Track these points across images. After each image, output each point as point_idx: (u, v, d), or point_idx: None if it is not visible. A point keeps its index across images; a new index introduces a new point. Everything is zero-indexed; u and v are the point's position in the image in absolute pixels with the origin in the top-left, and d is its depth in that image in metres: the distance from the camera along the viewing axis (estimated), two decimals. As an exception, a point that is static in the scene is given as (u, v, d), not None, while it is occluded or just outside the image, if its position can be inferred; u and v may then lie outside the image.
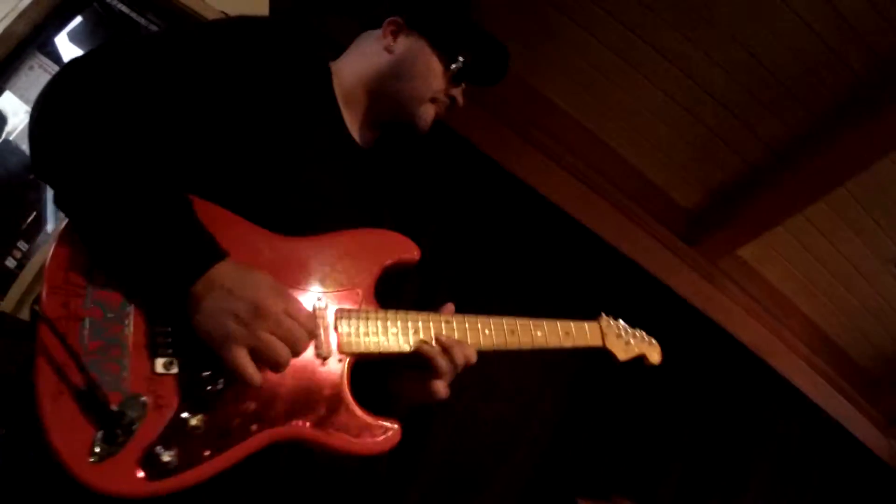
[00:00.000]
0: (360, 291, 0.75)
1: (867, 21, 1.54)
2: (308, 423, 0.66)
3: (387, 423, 0.70)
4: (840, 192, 1.76)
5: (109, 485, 0.55)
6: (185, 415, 0.60)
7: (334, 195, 0.84)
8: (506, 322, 0.82)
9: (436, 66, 0.91)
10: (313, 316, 0.68)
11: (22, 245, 1.71)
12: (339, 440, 0.68)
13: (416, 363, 0.76)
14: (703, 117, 1.73)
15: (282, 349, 0.61)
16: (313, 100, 0.84)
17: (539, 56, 1.70)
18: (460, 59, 0.92)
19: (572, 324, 0.89)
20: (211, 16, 1.77)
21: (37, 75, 1.87)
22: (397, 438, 0.70)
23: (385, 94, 0.92)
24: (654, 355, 1.00)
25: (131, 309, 0.62)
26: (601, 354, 1.19)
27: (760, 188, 1.73)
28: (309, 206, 0.79)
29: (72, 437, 0.56)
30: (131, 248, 0.61)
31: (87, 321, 0.60)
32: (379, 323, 0.74)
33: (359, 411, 0.70)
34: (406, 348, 0.75)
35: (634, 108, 1.72)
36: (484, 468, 1.66)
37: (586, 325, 0.92)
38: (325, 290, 0.73)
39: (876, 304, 2.00)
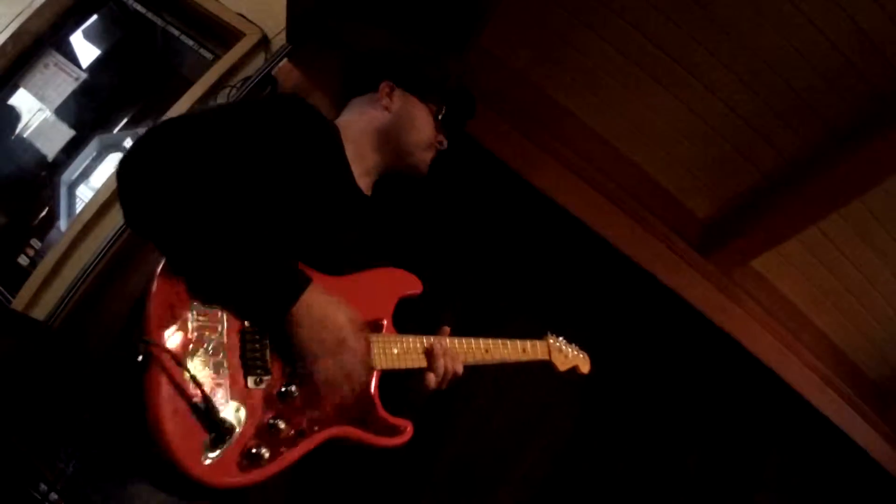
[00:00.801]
0: (385, 321, 0.95)
1: (885, 33, 1.52)
2: (354, 424, 0.85)
3: (403, 423, 0.91)
4: (855, 205, 1.75)
5: (218, 478, 0.70)
6: (269, 420, 0.76)
7: (350, 240, 0.98)
8: (483, 343, 1.04)
9: (426, 116, 1.08)
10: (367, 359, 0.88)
11: (35, 243, 1.71)
12: (374, 437, 0.87)
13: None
14: (719, 128, 1.72)
15: (345, 385, 0.82)
16: (331, 161, 0.98)
17: (556, 66, 1.70)
18: (443, 107, 1.10)
19: (528, 343, 1.13)
20: (226, 17, 1.77)
21: (52, 73, 1.87)
22: (410, 434, 0.91)
23: (391, 147, 1.07)
24: (585, 366, 1.22)
25: (226, 339, 0.76)
26: (616, 365, 1.28)
27: (776, 200, 1.72)
28: (333, 252, 0.94)
29: (187, 445, 0.68)
30: (234, 283, 0.76)
31: (193, 348, 0.73)
32: (401, 345, 0.94)
33: (384, 413, 0.89)
34: (422, 364, 0.95)
35: (651, 118, 1.71)
36: (496, 472, 1.67)
37: (538, 343, 1.15)
38: (364, 319, 0.89)
39: (888, 317, 1.99)
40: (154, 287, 0.72)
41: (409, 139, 1.06)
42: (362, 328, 0.86)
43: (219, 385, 0.72)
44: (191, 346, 0.71)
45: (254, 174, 0.84)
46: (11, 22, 2.11)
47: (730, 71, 1.73)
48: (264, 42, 1.70)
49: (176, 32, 1.76)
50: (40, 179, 1.79)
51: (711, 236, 1.78)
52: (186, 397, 0.68)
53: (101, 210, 1.61)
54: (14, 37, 2.07)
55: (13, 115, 1.88)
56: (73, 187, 1.76)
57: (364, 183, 1.06)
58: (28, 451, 1.53)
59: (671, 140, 1.77)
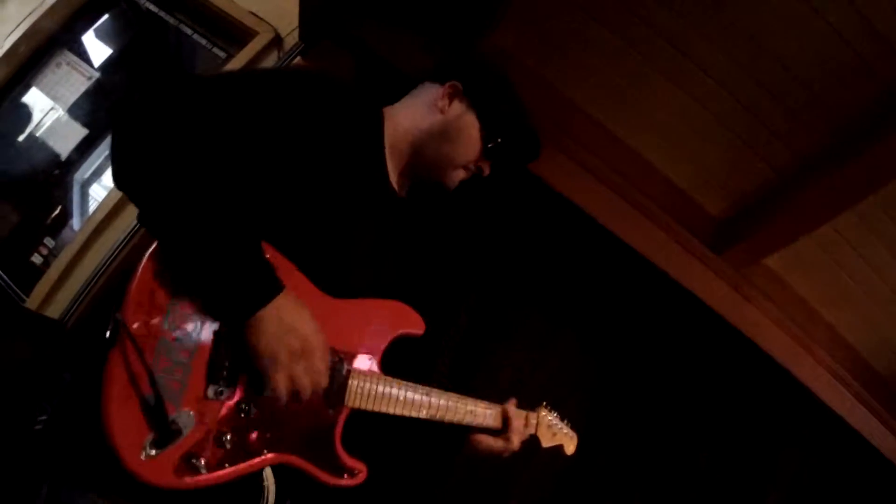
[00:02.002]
0: (372, 358, 0.90)
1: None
2: (304, 455, 0.81)
3: (358, 466, 0.87)
4: (869, 202, 1.74)
5: (151, 476, 0.68)
6: (218, 432, 0.73)
7: (369, 242, 0.91)
8: (468, 403, 1.00)
9: (476, 137, 0.98)
10: (329, 369, 0.81)
11: (48, 242, 1.72)
12: (322, 473, 0.84)
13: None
14: (732, 125, 1.72)
15: (308, 386, 0.77)
16: (362, 146, 0.90)
17: (571, 65, 1.69)
18: (499, 139, 1.00)
19: (525, 414, 1.09)
20: (239, 15, 1.77)
21: (65, 73, 1.87)
22: (363, 478, 0.87)
23: (426, 151, 0.98)
24: (570, 447, 1.19)
25: (199, 338, 0.72)
26: (628, 363, 1.27)
27: (789, 197, 1.71)
28: (347, 253, 0.88)
29: (129, 436, 0.67)
30: (204, 270, 0.70)
31: (162, 340, 0.69)
32: (380, 387, 0.89)
33: (341, 451, 0.86)
34: (400, 411, 0.91)
35: (662, 114, 1.70)
36: (507, 468, 1.67)
37: (531, 414, 1.11)
38: (346, 350, 0.86)
39: (901, 316, 1.98)
40: (141, 267, 0.69)
41: (444, 150, 0.97)
42: (328, 349, 0.79)
43: (177, 386, 0.69)
44: (160, 337, 0.68)
45: (261, 154, 0.78)
46: (23, 21, 2.11)
47: (741, 67, 1.72)
48: (277, 41, 1.70)
49: (189, 31, 1.76)
50: (53, 178, 1.79)
51: (724, 234, 1.77)
52: (140, 389, 0.66)
53: (114, 209, 1.61)
54: (26, 36, 2.08)
55: (26, 114, 1.88)
56: (85, 186, 1.76)
57: (399, 181, 0.99)
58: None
59: (682, 136, 1.76)
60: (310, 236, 0.82)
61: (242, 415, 0.74)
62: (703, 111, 1.77)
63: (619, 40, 1.71)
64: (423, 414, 0.93)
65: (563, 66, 1.74)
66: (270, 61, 1.68)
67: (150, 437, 0.67)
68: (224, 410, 0.73)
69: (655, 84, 1.73)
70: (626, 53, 1.72)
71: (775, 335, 1.83)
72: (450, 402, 0.96)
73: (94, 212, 1.60)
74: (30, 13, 2.13)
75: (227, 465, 0.73)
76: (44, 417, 1.24)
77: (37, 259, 1.71)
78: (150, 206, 0.70)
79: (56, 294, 1.64)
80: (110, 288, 1.60)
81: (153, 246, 0.70)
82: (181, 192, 0.68)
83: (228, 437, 0.73)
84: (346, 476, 0.85)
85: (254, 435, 0.76)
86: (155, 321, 0.68)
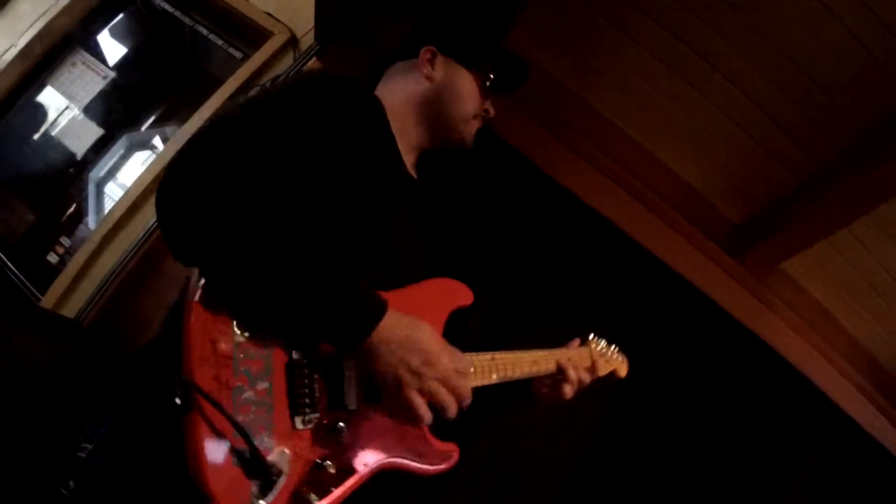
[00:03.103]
0: None
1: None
2: (403, 455, 0.81)
3: (450, 447, 0.87)
4: (885, 208, 1.73)
5: None
6: (318, 460, 0.71)
7: (403, 229, 0.91)
8: (529, 355, 0.99)
9: (471, 84, 0.99)
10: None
11: (64, 241, 1.72)
12: (423, 466, 0.84)
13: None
14: (751, 130, 1.70)
15: (447, 397, 0.74)
16: (379, 143, 0.89)
17: (590, 68, 1.69)
18: (490, 74, 1.01)
19: (573, 351, 1.09)
20: (255, 16, 1.76)
21: (80, 72, 1.87)
22: (457, 458, 0.88)
23: (433, 119, 0.98)
24: (623, 370, 1.22)
25: (272, 374, 0.70)
26: (644, 367, 1.29)
27: (806, 202, 1.70)
28: (388, 246, 0.87)
29: (234, 495, 0.64)
30: (305, 307, 0.68)
31: (236, 388, 0.66)
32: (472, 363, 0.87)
33: (433, 439, 0.85)
34: (483, 381, 0.89)
35: (684, 120, 1.69)
36: (521, 473, 1.66)
37: (582, 350, 1.11)
38: None
39: (918, 321, 1.96)
40: (191, 318, 0.64)
41: (454, 111, 0.97)
42: (443, 340, 0.78)
43: (264, 427, 0.67)
44: (234, 385, 0.65)
45: (303, 179, 0.75)
46: (38, 20, 2.11)
47: (759, 71, 1.71)
48: (293, 41, 1.70)
49: (204, 31, 1.76)
50: (68, 177, 1.79)
51: (742, 239, 1.76)
52: (230, 444, 0.64)
53: (131, 208, 1.61)
54: (40, 35, 2.08)
55: (41, 113, 1.89)
56: (101, 185, 1.76)
57: (409, 162, 0.99)
58: (51, 445, 1.55)
59: (702, 142, 1.75)
60: (354, 238, 0.81)
61: (335, 435, 0.73)
62: (724, 116, 1.76)
63: (640, 46, 1.70)
64: (495, 378, 0.92)
65: (582, 72, 1.73)
66: (286, 62, 1.68)
67: (254, 488, 0.65)
68: (315, 437, 0.72)
69: (676, 89, 1.72)
70: (647, 59, 1.71)
71: (793, 340, 1.82)
72: (515, 357, 0.96)
73: (111, 210, 1.60)
74: (44, 12, 2.13)
75: (333, 488, 0.71)
76: (88, 446, 1.24)
77: (52, 258, 1.71)
78: (227, 268, 0.66)
79: (72, 293, 1.65)
80: (127, 288, 1.60)
81: (196, 297, 0.66)
82: (259, 240, 0.65)
83: (328, 461, 0.71)
84: (443, 462, 0.85)
85: (351, 451, 0.75)
86: (224, 371, 0.65)
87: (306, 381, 0.71)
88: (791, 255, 1.73)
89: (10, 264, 1.76)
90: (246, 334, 0.67)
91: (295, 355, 0.71)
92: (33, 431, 1.60)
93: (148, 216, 1.61)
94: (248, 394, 0.66)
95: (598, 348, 1.14)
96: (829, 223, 1.74)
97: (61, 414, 1.60)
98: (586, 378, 1.04)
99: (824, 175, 1.75)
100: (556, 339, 1.09)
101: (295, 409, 0.70)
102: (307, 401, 0.71)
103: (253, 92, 0.79)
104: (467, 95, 0.98)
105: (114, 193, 1.76)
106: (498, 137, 1.62)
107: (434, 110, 0.97)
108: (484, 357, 0.91)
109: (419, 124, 0.97)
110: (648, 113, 1.75)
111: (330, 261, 0.69)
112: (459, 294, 0.93)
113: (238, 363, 0.66)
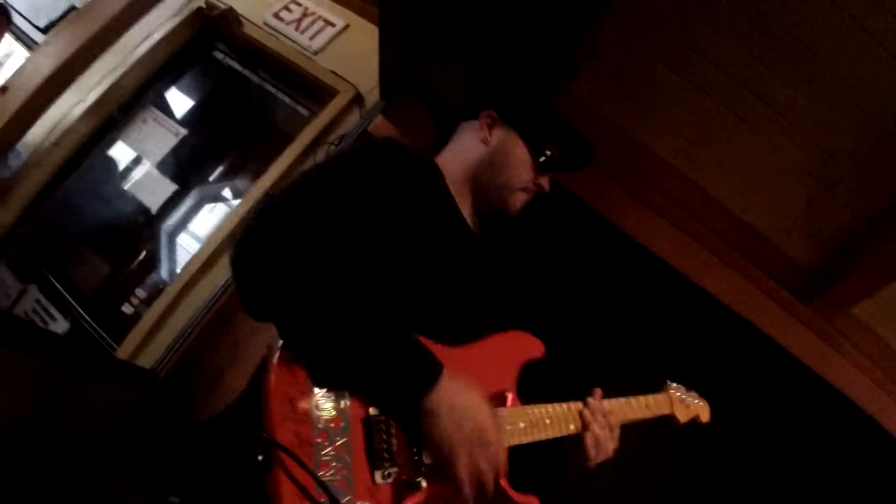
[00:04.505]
0: (509, 393, 0.89)
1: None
2: None
3: (530, 500, 0.86)
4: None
5: None
6: None
7: (467, 285, 0.93)
8: (608, 404, 0.97)
9: (525, 156, 1.01)
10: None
11: (139, 292, 1.78)
12: None
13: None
14: (813, 171, 1.69)
15: (491, 479, 0.75)
16: (441, 207, 0.93)
17: (647, 111, 1.70)
18: (547, 151, 1.03)
19: (651, 398, 1.06)
20: (320, 74, 1.83)
21: (151, 128, 1.96)
22: None
23: (483, 185, 1.01)
24: (705, 415, 1.17)
25: (350, 430, 0.72)
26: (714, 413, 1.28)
27: (875, 244, 1.67)
28: (454, 302, 0.89)
29: None
30: (364, 370, 0.71)
31: (316, 445, 0.69)
32: (530, 417, 0.88)
33: (512, 492, 0.84)
34: (551, 434, 0.89)
35: (745, 162, 1.69)
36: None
37: (660, 396, 1.09)
38: (487, 393, 0.84)
39: None
40: (272, 379, 0.68)
41: (500, 178, 1.00)
42: (493, 410, 0.79)
43: (345, 483, 0.69)
44: (315, 442, 0.68)
45: (369, 243, 0.79)
46: (106, 76, 2.22)
47: (819, 110, 1.71)
48: (358, 98, 1.76)
49: (271, 89, 1.83)
50: (141, 229, 1.86)
51: (811, 283, 1.74)
52: (313, 500, 0.65)
53: (205, 263, 1.66)
54: (110, 91, 2.19)
55: (113, 167, 1.98)
56: (173, 235, 1.83)
57: (471, 221, 1.02)
58: (125, 492, 1.58)
59: (763, 182, 1.74)
60: (421, 299, 0.83)
61: (414, 489, 0.74)
62: (783, 156, 1.75)
63: (695, 86, 1.71)
64: (572, 428, 0.91)
65: (639, 114, 1.75)
66: (353, 119, 1.74)
67: None
68: (396, 492, 0.73)
69: (733, 129, 1.72)
70: (702, 99, 1.72)
71: (862, 383, 1.77)
72: (566, 410, 0.93)
73: (186, 265, 1.66)
74: (113, 68, 2.24)
75: None
76: (176, 500, 1.28)
77: (127, 309, 1.78)
78: (297, 323, 0.70)
79: (147, 345, 1.70)
80: (201, 341, 1.65)
81: (275, 358, 0.69)
82: (323, 299, 0.69)
83: None
84: None
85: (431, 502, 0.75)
86: (303, 428, 0.68)
87: (384, 435, 0.73)
88: (862, 298, 1.69)
89: (86, 316, 1.83)
90: (323, 391, 0.70)
91: (372, 410, 0.73)
92: (107, 479, 1.64)
93: (222, 271, 1.66)
94: (328, 450, 0.68)
95: (677, 394, 1.11)
96: (898, 265, 1.72)
97: (138, 463, 1.64)
98: (607, 432, 0.94)
99: (892, 215, 1.73)
100: (625, 386, 1.08)
101: (374, 463, 0.71)
102: (386, 455, 0.72)
103: (321, 157, 0.84)
104: (517, 165, 1.00)
105: (186, 244, 1.82)
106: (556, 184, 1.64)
107: (483, 174, 0.99)
108: (559, 406, 0.91)
109: (471, 186, 1.00)
110: (707, 155, 1.75)
111: (389, 321, 0.72)
112: (530, 347, 0.93)
113: (316, 420, 0.69)
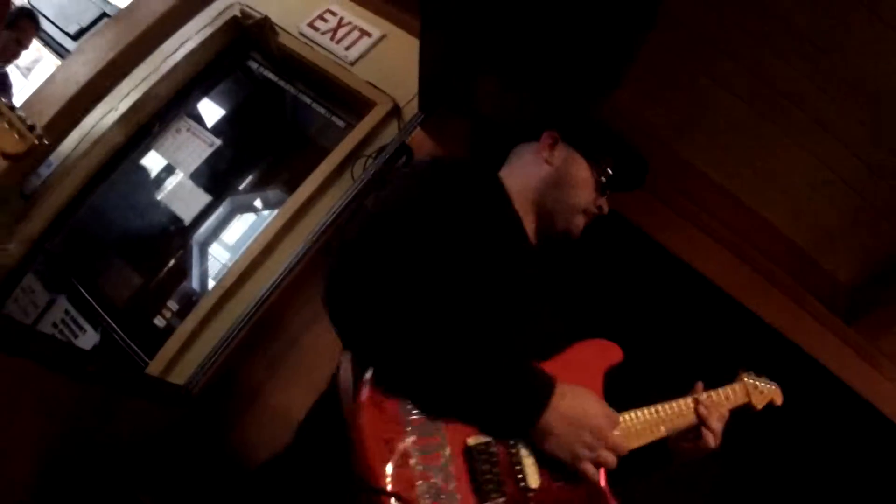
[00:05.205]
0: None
1: None
2: None
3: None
4: None
5: None
6: None
7: (537, 301, 0.93)
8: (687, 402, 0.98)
9: (588, 176, 1.01)
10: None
11: (171, 304, 1.76)
12: None
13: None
14: (861, 190, 1.66)
15: (613, 460, 0.78)
16: (508, 227, 0.93)
17: (692, 128, 1.67)
18: (609, 170, 1.03)
19: (729, 389, 1.08)
20: (356, 85, 1.81)
21: (184, 138, 1.94)
22: None
23: (546, 205, 1.00)
24: (779, 398, 1.19)
25: (452, 463, 0.69)
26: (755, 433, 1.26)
27: (923, 264, 1.64)
28: (529, 319, 0.89)
29: None
30: (478, 397, 0.71)
31: (420, 484, 0.66)
32: (624, 423, 0.88)
33: (611, 497, 0.82)
34: (649, 438, 0.90)
35: (791, 180, 1.66)
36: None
37: (737, 386, 1.10)
38: None
39: None
40: (363, 420, 0.65)
41: (563, 197, 0.99)
42: (604, 404, 0.80)
43: None
44: (417, 483, 0.65)
45: (454, 273, 0.79)
46: (139, 85, 2.20)
47: (865, 126, 1.68)
48: (395, 110, 1.74)
49: (307, 100, 1.81)
50: (173, 240, 1.84)
51: (855, 302, 1.70)
52: None
53: (240, 277, 1.63)
54: (142, 100, 2.17)
55: (145, 177, 1.96)
56: (204, 246, 1.81)
57: (535, 238, 1.02)
58: None
59: (807, 199, 1.70)
60: (499, 317, 0.83)
61: None
62: (829, 173, 1.72)
63: (740, 100, 1.68)
64: (663, 430, 0.92)
65: (682, 128, 1.72)
66: (391, 131, 1.71)
67: None
68: None
69: (778, 144, 1.68)
70: (747, 113, 1.69)
71: (907, 406, 1.73)
72: (679, 407, 0.95)
73: (223, 276, 1.63)
74: (145, 77, 2.22)
75: None
76: None
77: (159, 322, 1.75)
78: (401, 362, 0.69)
79: (180, 360, 1.66)
80: (237, 356, 1.62)
81: (364, 395, 0.67)
82: (427, 337, 0.68)
83: None
84: None
85: None
86: (405, 470, 0.65)
87: (487, 465, 0.71)
88: (908, 320, 1.66)
89: (116, 328, 1.80)
90: (416, 426, 0.68)
91: (471, 440, 0.71)
92: (138, 497, 1.61)
93: (258, 284, 1.63)
94: (432, 487, 0.66)
95: (751, 381, 1.13)
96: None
97: (171, 484, 1.61)
98: (721, 424, 0.97)
99: (937, 235, 1.69)
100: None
101: (481, 495, 0.70)
102: (492, 486, 0.71)
103: (389, 190, 0.85)
104: (582, 185, 0.99)
105: (218, 254, 1.80)
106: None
107: (549, 195, 0.99)
108: (648, 409, 0.92)
109: (534, 206, 1.00)
110: (751, 171, 1.72)
111: (494, 347, 0.72)
112: (610, 353, 0.93)
113: (416, 459, 0.66)
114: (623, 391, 1.59)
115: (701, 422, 0.93)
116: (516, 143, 1.11)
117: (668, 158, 1.74)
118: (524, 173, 1.01)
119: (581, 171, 1.00)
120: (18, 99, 2.34)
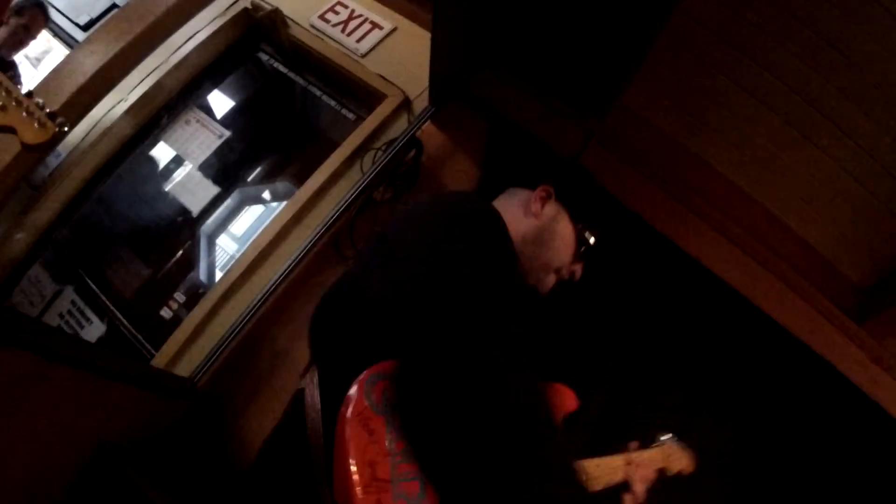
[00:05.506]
0: None
1: None
2: None
3: None
4: None
5: None
6: None
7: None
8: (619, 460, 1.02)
9: (570, 240, 0.97)
10: None
11: (178, 296, 1.75)
12: None
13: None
14: (874, 189, 1.64)
15: None
16: (509, 249, 0.87)
17: (708, 127, 1.66)
18: (591, 240, 0.99)
19: (654, 451, 1.09)
20: (367, 77, 1.80)
21: (194, 129, 1.93)
22: None
23: (523, 256, 0.94)
24: (689, 467, 1.18)
25: (426, 495, 0.67)
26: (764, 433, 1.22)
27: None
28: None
29: None
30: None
31: None
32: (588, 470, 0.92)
33: None
34: (597, 488, 0.93)
35: (806, 180, 1.64)
36: None
37: (653, 452, 1.09)
38: None
39: None
40: (351, 443, 0.63)
41: (540, 254, 0.95)
42: None
43: None
44: None
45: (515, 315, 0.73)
46: (148, 76, 2.19)
47: (882, 128, 1.66)
48: (406, 103, 1.73)
49: (317, 92, 1.80)
50: (181, 230, 1.83)
51: (866, 303, 1.68)
52: None
53: (247, 270, 1.62)
54: (152, 91, 2.16)
55: (154, 168, 1.95)
56: (212, 237, 1.80)
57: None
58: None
59: (822, 200, 1.69)
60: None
61: None
62: (844, 174, 1.70)
63: (756, 100, 1.67)
64: (619, 476, 0.95)
65: (697, 128, 1.70)
66: (401, 124, 1.70)
67: None
68: None
69: (794, 145, 1.67)
70: (763, 114, 1.67)
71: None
72: (613, 463, 0.99)
73: (230, 268, 1.62)
74: (155, 68, 2.21)
75: None
76: None
77: (166, 313, 1.74)
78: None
79: (186, 352, 1.66)
80: (243, 349, 1.61)
81: (349, 410, 0.64)
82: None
83: None
84: None
85: None
86: (384, 497, 0.63)
87: None
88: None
89: (122, 319, 1.80)
90: (398, 452, 0.65)
91: None
92: (144, 491, 1.60)
93: (265, 277, 1.63)
94: None
95: (667, 447, 1.13)
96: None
97: (175, 476, 1.60)
98: (643, 486, 1.01)
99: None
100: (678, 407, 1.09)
101: None
102: None
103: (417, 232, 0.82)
104: (562, 247, 0.96)
105: (225, 245, 1.79)
106: (615, 199, 1.61)
107: (527, 248, 0.94)
108: (605, 459, 0.96)
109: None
110: (766, 170, 1.70)
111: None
112: (565, 400, 0.92)
113: (397, 487, 0.64)
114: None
115: (626, 482, 0.96)
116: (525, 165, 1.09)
117: (683, 157, 1.73)
118: (510, 219, 0.93)
119: (565, 234, 0.95)
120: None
